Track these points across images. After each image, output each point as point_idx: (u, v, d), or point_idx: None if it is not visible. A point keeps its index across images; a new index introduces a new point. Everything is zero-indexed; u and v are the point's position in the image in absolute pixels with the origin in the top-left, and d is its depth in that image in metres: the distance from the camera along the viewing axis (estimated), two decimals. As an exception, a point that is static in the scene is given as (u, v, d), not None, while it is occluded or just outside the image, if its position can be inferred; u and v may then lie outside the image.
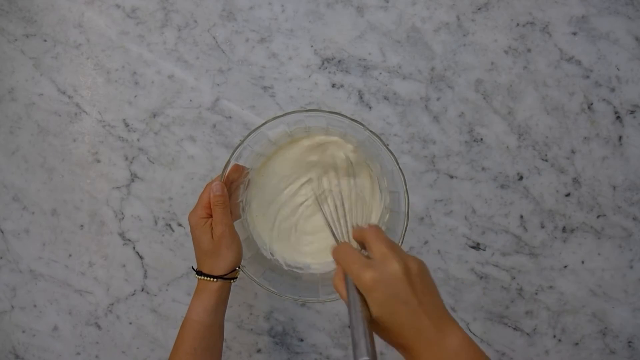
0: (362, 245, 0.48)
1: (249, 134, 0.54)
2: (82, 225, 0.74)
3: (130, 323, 0.74)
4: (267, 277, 0.59)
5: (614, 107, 0.70)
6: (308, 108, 0.71)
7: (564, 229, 0.71)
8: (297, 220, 0.64)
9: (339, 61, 0.72)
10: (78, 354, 0.75)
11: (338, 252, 0.44)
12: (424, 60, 0.71)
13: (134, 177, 0.73)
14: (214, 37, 0.72)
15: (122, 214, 0.74)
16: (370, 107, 0.72)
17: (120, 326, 0.74)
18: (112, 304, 0.74)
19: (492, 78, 0.71)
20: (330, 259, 0.62)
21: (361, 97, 0.72)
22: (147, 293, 0.74)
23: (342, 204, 0.60)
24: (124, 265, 0.74)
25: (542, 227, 0.71)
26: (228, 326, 0.72)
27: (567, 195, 0.71)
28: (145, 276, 0.74)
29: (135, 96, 0.73)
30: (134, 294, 0.74)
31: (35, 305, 0.75)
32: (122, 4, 0.73)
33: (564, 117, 0.71)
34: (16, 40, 0.74)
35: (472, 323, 0.72)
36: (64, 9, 0.73)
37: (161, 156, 0.73)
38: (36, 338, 0.75)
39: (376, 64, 0.71)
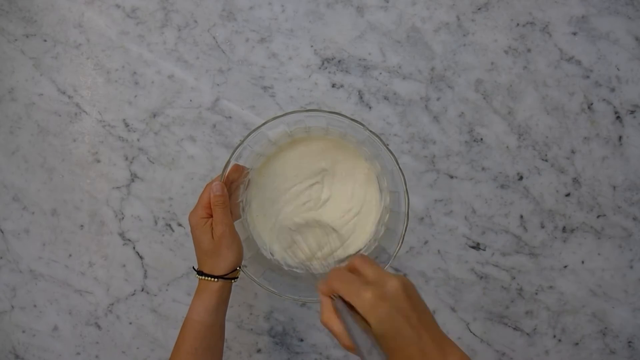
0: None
1: (249, 134, 0.54)
2: (82, 225, 0.74)
3: (130, 323, 0.74)
4: (267, 277, 0.59)
5: (614, 107, 0.70)
6: (308, 108, 0.71)
7: (564, 229, 0.71)
8: (297, 220, 0.63)
9: (339, 61, 0.72)
10: (78, 354, 0.75)
11: (333, 277, 0.43)
12: (424, 60, 0.71)
13: (134, 177, 0.73)
14: (214, 37, 0.72)
15: (122, 214, 0.74)
16: (370, 107, 0.72)
17: (120, 326, 0.74)
18: (112, 304, 0.74)
19: (492, 78, 0.71)
20: (330, 259, 0.62)
21: (361, 97, 0.72)
22: (147, 293, 0.74)
23: (321, 238, 0.61)
24: (124, 265, 0.74)
25: (542, 227, 0.71)
26: (228, 326, 0.72)
27: (567, 195, 0.71)
28: (145, 276, 0.74)
29: (135, 96, 0.73)
30: (134, 294, 0.74)
31: (35, 305, 0.75)
32: (122, 4, 0.73)
33: (564, 117, 0.71)
34: (16, 40, 0.74)
35: (472, 323, 0.72)
36: (64, 9, 0.73)
37: (161, 156, 0.73)
38: (36, 338, 0.75)
39: (376, 64, 0.71)
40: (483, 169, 0.71)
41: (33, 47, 0.74)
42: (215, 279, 0.54)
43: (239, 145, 0.54)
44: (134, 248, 0.74)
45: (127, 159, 0.73)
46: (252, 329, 0.73)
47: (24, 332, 0.75)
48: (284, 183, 0.63)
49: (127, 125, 0.73)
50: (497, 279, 0.71)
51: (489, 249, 0.71)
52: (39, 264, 0.74)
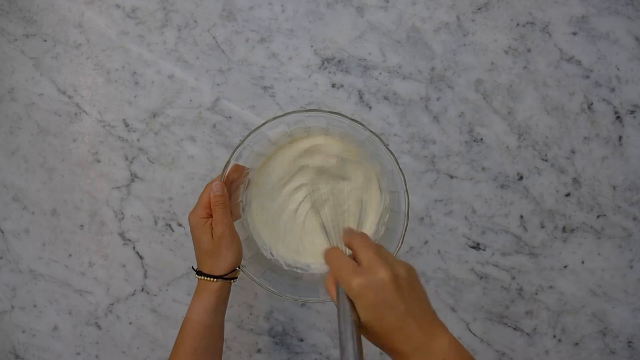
0: None
1: (249, 134, 0.54)
2: (82, 225, 0.74)
3: (130, 323, 0.74)
4: (267, 277, 0.59)
5: (614, 107, 0.70)
6: (308, 108, 0.71)
7: (564, 229, 0.71)
8: (297, 220, 0.64)
9: (339, 61, 0.72)
10: (78, 354, 0.75)
11: (328, 256, 0.45)
12: (424, 60, 0.71)
13: (134, 177, 0.73)
14: (214, 37, 0.72)
15: (122, 214, 0.74)
16: (370, 107, 0.72)
17: (120, 326, 0.74)
18: (112, 304, 0.74)
19: (492, 78, 0.71)
20: (334, 243, 0.62)
21: (361, 97, 0.72)
22: (147, 293, 0.74)
23: (336, 208, 0.61)
24: (124, 265, 0.74)
25: (542, 227, 0.71)
26: (228, 326, 0.72)
27: (567, 195, 0.71)
28: (145, 276, 0.74)
29: (135, 96, 0.73)
30: (134, 294, 0.74)
31: (35, 305, 0.75)
32: (122, 4, 0.73)
33: (564, 117, 0.71)
34: (16, 40, 0.74)
35: (472, 323, 0.72)
36: (64, 9, 0.73)
37: (161, 156, 0.73)
38: (36, 338, 0.75)
39: (376, 64, 0.71)
40: (483, 169, 0.71)
41: (33, 47, 0.74)
42: (215, 279, 0.54)
43: (239, 145, 0.54)
44: (134, 248, 0.74)
45: (127, 159, 0.73)
46: (252, 329, 0.73)
47: (24, 332, 0.75)
48: (284, 183, 0.63)
49: (127, 125, 0.73)
50: (497, 279, 0.71)
51: (489, 249, 0.71)
52: (39, 264, 0.74)
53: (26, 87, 0.74)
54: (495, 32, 0.71)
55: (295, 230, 0.63)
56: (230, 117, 0.72)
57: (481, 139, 0.71)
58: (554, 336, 0.72)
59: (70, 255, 0.74)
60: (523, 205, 0.71)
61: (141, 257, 0.74)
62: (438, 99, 0.71)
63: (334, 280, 0.43)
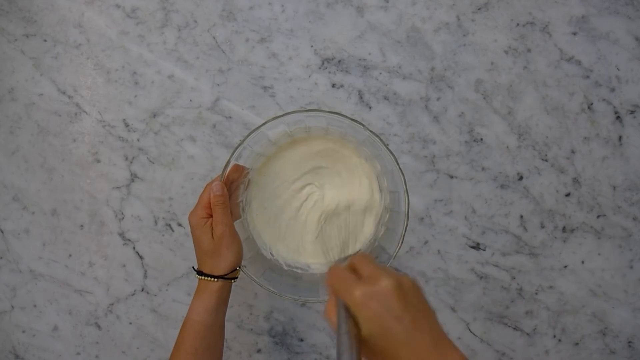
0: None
1: (249, 134, 0.54)
2: (82, 225, 0.74)
3: (130, 323, 0.74)
4: (267, 277, 0.59)
5: (614, 107, 0.70)
6: (308, 108, 0.71)
7: (564, 229, 0.71)
8: (297, 220, 0.64)
9: (339, 61, 0.72)
10: (78, 354, 0.75)
11: (330, 274, 0.43)
12: (424, 60, 0.71)
13: (134, 177, 0.73)
14: (214, 37, 0.72)
15: (122, 214, 0.74)
16: (370, 107, 0.72)
17: (120, 326, 0.74)
18: (112, 304, 0.74)
19: (492, 78, 0.71)
20: (330, 259, 0.62)
21: (361, 97, 0.72)
22: (147, 293, 0.74)
23: (340, 227, 0.61)
24: (124, 265, 0.74)
25: (542, 227, 0.71)
26: (228, 326, 0.72)
27: (567, 195, 0.71)
28: (145, 276, 0.74)
29: (135, 96, 0.73)
30: (134, 294, 0.74)
31: (35, 305, 0.75)
32: (122, 4, 0.73)
33: (564, 117, 0.71)
34: (16, 40, 0.74)
35: (472, 323, 0.72)
36: (64, 9, 0.73)
37: (161, 156, 0.73)
38: (36, 338, 0.75)
39: (376, 64, 0.71)
40: (483, 169, 0.71)
41: (33, 47, 0.74)
42: (215, 279, 0.54)
43: (239, 145, 0.54)
44: (134, 248, 0.74)
45: (127, 159, 0.73)
46: (252, 329, 0.73)
47: (24, 332, 0.75)
48: (284, 183, 0.63)
49: (127, 125, 0.73)
50: (497, 279, 0.71)
51: (489, 249, 0.71)
52: (39, 264, 0.74)
53: (26, 87, 0.74)
54: (495, 32, 0.71)
55: (296, 231, 0.64)
56: (230, 117, 0.72)
57: (481, 139, 0.71)
58: (554, 336, 0.72)
59: (70, 255, 0.74)
60: (523, 205, 0.71)
61: (141, 257, 0.74)
62: (438, 99, 0.71)
63: (334, 306, 0.41)
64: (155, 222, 0.73)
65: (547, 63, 0.70)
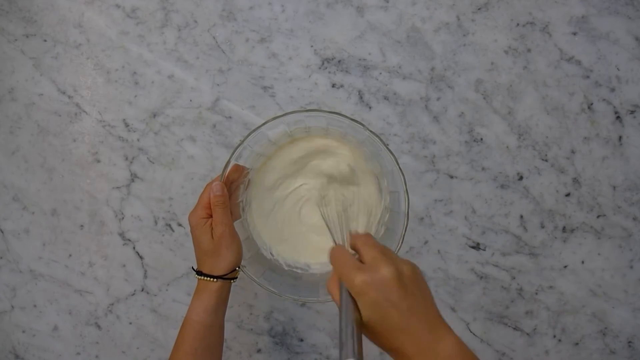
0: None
1: (249, 134, 0.54)
2: (82, 225, 0.74)
3: (130, 323, 0.74)
4: (267, 277, 0.59)
5: (614, 107, 0.70)
6: (308, 108, 0.71)
7: (564, 229, 0.71)
8: (297, 220, 0.64)
9: (339, 61, 0.72)
10: (78, 354, 0.75)
11: (332, 255, 0.44)
12: (424, 60, 0.71)
13: (134, 177, 0.73)
14: (214, 37, 0.72)
15: (122, 214, 0.74)
16: (370, 107, 0.72)
17: (120, 326, 0.74)
18: (112, 304, 0.74)
19: (492, 78, 0.71)
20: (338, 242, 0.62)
21: (361, 97, 0.72)
22: (147, 293, 0.74)
23: (343, 209, 0.61)
24: (124, 265, 0.74)
25: (542, 227, 0.71)
26: (228, 326, 0.72)
27: (567, 195, 0.71)
28: (145, 276, 0.74)
29: (135, 96, 0.73)
30: (134, 294, 0.74)
31: (35, 305, 0.75)
32: (122, 4, 0.73)
33: (564, 117, 0.71)
34: (16, 40, 0.74)
35: (472, 323, 0.72)
36: (64, 9, 0.73)
37: (161, 156, 0.73)
38: (36, 338, 0.75)
39: (376, 64, 0.71)
40: (483, 169, 0.71)
41: (33, 47, 0.74)
42: (215, 279, 0.54)
43: (239, 145, 0.54)
44: (134, 248, 0.74)
45: (127, 159, 0.73)
46: (252, 329, 0.73)
47: (24, 332, 0.75)
48: (284, 183, 0.63)
49: (127, 125, 0.73)
50: (497, 279, 0.71)
51: (489, 249, 0.71)
52: (39, 264, 0.74)
53: (26, 87, 0.74)
54: (495, 32, 0.71)
55: (296, 230, 0.64)
56: (230, 117, 0.72)
57: (481, 139, 0.71)
58: (554, 336, 0.72)
59: (70, 255, 0.74)
60: (523, 205, 0.71)
61: (141, 257, 0.74)
62: (438, 99, 0.71)
63: (336, 281, 0.43)
64: (155, 222, 0.73)
65: (547, 63, 0.70)
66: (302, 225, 0.63)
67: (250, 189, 0.63)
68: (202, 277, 0.55)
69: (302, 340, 0.73)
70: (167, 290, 0.74)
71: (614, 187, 0.71)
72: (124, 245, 0.74)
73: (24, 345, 0.75)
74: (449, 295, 0.72)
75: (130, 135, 0.73)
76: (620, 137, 0.70)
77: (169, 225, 0.73)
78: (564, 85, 0.70)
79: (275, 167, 0.63)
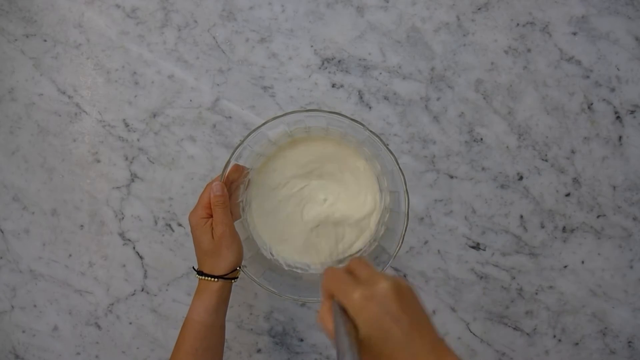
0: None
1: (249, 134, 0.54)
2: (82, 225, 0.74)
3: (130, 323, 0.74)
4: (267, 277, 0.59)
5: (614, 107, 0.70)
6: (308, 108, 0.71)
7: (564, 229, 0.71)
8: (297, 220, 0.64)
9: (339, 61, 0.72)
10: (78, 354, 0.75)
11: (327, 275, 0.42)
12: (424, 60, 0.71)
13: (134, 177, 0.73)
14: (214, 37, 0.72)
15: (122, 214, 0.74)
16: (370, 107, 0.72)
17: (120, 326, 0.74)
18: (112, 304, 0.74)
19: (492, 78, 0.71)
20: (330, 259, 0.62)
21: (361, 97, 0.72)
22: (147, 293, 0.74)
23: (335, 242, 0.61)
24: (124, 265, 0.74)
25: (542, 227, 0.71)
26: (228, 326, 0.72)
27: (567, 195, 0.71)
28: (145, 276, 0.74)
29: (135, 96, 0.73)
30: (134, 294, 0.74)
31: (35, 305, 0.75)
32: (122, 4, 0.73)
33: (564, 117, 0.71)
34: (16, 40, 0.74)
35: (472, 323, 0.72)
36: (64, 9, 0.73)
37: (161, 156, 0.73)
38: (36, 338, 0.75)
39: (376, 64, 0.71)
40: (483, 169, 0.71)
41: (33, 47, 0.74)
42: (215, 279, 0.54)
43: (239, 145, 0.54)
44: (134, 248, 0.74)
45: (127, 159, 0.73)
46: (252, 329, 0.73)
47: (24, 332, 0.75)
48: (284, 183, 0.63)
49: (127, 125, 0.73)
50: (497, 279, 0.71)
51: (489, 249, 0.71)
52: (39, 264, 0.74)
53: (26, 87, 0.74)
54: (495, 32, 0.71)
55: (296, 230, 0.64)
56: (230, 117, 0.72)
57: (481, 139, 0.71)
58: (554, 336, 0.72)
59: (70, 255, 0.74)
60: (523, 205, 0.71)
61: (141, 257, 0.74)
62: (438, 99, 0.71)
63: (328, 310, 0.40)
64: (155, 222, 0.73)
65: (547, 63, 0.70)
66: (303, 225, 0.63)
67: (250, 189, 0.63)
68: (203, 277, 0.55)
69: (302, 340, 0.73)
70: (167, 290, 0.74)
71: (614, 187, 0.71)
72: (124, 245, 0.74)
73: (24, 345, 0.75)
74: (449, 295, 0.72)
75: (130, 135, 0.73)
76: (620, 137, 0.71)
77: (169, 225, 0.73)
78: (564, 85, 0.70)
79: (276, 167, 0.63)
